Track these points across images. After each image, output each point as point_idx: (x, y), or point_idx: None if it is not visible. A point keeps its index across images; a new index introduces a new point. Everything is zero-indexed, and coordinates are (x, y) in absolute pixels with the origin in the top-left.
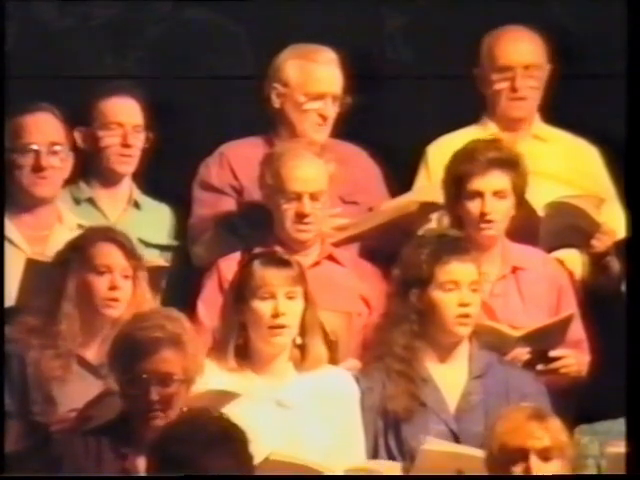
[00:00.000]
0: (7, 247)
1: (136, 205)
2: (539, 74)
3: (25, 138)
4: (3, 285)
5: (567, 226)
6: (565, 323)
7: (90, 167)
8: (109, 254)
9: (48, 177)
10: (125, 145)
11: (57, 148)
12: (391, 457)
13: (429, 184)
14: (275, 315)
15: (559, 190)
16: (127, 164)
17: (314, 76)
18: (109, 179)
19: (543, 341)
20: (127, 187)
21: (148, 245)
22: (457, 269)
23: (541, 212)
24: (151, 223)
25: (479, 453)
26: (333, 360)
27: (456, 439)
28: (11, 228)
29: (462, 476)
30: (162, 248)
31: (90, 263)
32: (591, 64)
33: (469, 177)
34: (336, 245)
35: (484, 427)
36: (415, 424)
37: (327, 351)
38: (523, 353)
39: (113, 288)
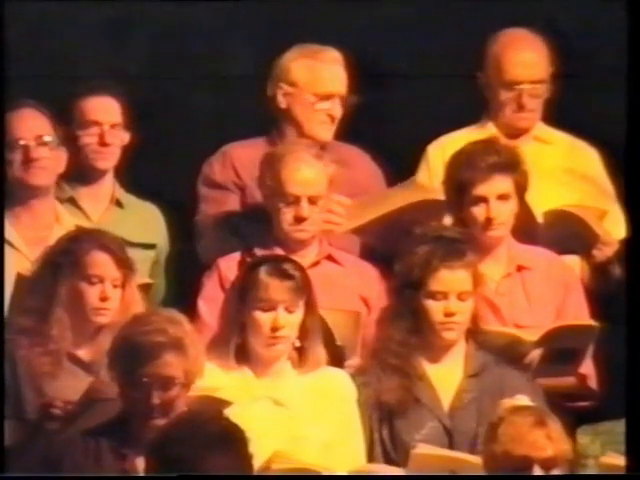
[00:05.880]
0: (6, 249)
1: (118, 204)
2: (545, 86)
3: (11, 134)
4: (3, 287)
5: (567, 234)
6: (588, 331)
7: (71, 166)
8: (102, 264)
9: (41, 167)
10: (102, 144)
11: (45, 139)
12: (385, 451)
13: (431, 184)
14: (274, 329)
15: (560, 191)
16: (105, 160)
17: (322, 76)
18: (89, 177)
19: (559, 342)
20: (109, 185)
21: (131, 244)
22: (446, 279)
23: (541, 218)
24: (134, 222)
25: (471, 458)
26: (339, 365)
27: (449, 436)
28: (10, 230)
29: (462, 476)
30: (145, 247)
31: (82, 272)
32: (591, 64)
33: (472, 184)
34: (334, 243)
35: (477, 424)
36: (409, 419)
37: (332, 356)
38: (538, 355)
39: (104, 299)
